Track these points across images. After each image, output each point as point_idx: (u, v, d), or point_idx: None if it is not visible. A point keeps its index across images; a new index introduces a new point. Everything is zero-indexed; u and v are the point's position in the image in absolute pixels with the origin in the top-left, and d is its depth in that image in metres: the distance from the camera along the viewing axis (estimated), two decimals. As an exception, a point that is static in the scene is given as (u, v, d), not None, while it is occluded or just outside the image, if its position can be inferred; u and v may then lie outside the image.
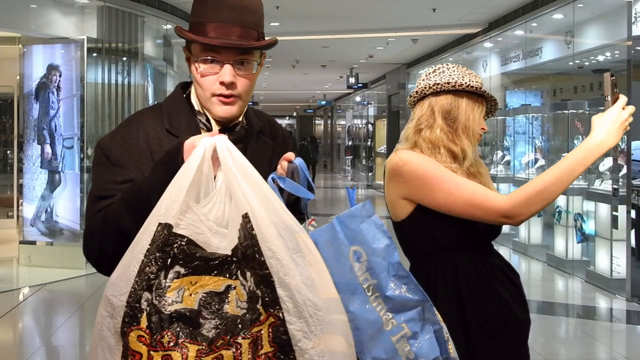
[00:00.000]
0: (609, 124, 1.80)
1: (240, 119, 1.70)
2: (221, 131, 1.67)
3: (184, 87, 1.74)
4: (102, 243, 1.56)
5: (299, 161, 1.59)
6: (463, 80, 2.00)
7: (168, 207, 1.38)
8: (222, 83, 1.61)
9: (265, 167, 1.72)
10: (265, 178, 1.71)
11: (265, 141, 1.76)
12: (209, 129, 1.66)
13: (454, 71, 2.03)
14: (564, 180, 1.79)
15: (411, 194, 1.93)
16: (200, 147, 1.43)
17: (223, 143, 1.44)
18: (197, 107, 1.69)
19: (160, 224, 1.37)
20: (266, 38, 1.68)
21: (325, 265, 1.45)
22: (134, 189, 1.52)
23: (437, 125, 1.99)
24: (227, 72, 1.60)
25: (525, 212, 1.82)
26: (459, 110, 2.00)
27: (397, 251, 1.58)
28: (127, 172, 1.59)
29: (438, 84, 2.02)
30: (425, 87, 2.04)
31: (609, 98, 1.82)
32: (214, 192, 1.42)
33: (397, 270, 1.56)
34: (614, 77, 1.82)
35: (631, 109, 1.82)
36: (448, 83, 2.00)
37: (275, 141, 1.79)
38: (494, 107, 2.08)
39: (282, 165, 1.60)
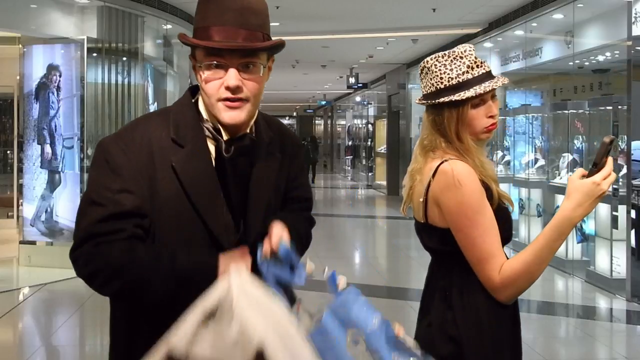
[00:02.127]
0: (582, 196, 1.77)
1: (249, 131, 1.66)
2: (229, 141, 1.63)
3: (194, 90, 1.69)
4: (113, 278, 1.53)
5: (284, 248, 1.56)
6: (440, 84, 1.92)
7: (179, 337, 1.35)
8: (227, 88, 1.56)
9: (271, 181, 1.70)
10: (269, 194, 1.68)
11: (274, 155, 1.72)
12: (216, 138, 1.62)
13: (434, 75, 1.94)
14: (545, 258, 1.82)
15: (445, 213, 1.88)
16: (225, 282, 1.40)
17: (239, 282, 1.40)
18: (204, 114, 1.65)
19: (168, 354, 1.35)
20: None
21: None
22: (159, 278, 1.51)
23: (440, 140, 1.94)
24: (231, 76, 1.56)
25: (512, 293, 1.86)
26: (444, 123, 1.93)
27: (390, 322, 1.55)
28: (124, 182, 1.55)
29: (418, 101, 2.00)
30: (418, 102, 2.02)
31: (598, 165, 1.76)
32: (229, 328, 1.38)
33: (396, 344, 1.53)
34: (612, 144, 1.77)
35: (611, 179, 1.77)
36: (425, 98, 1.96)
37: (283, 155, 1.75)
38: (486, 82, 1.91)
39: (272, 243, 1.56)
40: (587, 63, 9.07)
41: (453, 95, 1.89)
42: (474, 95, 1.89)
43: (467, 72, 1.91)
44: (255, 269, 1.55)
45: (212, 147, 1.64)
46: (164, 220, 1.58)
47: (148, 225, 1.57)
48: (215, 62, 1.57)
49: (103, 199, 1.54)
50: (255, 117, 1.69)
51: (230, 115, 1.59)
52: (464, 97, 1.89)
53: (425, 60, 1.98)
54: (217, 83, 1.57)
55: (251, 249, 1.61)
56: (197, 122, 1.64)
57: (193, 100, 1.68)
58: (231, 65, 1.56)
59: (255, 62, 1.59)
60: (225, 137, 1.63)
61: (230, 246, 1.62)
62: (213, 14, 1.57)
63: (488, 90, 1.90)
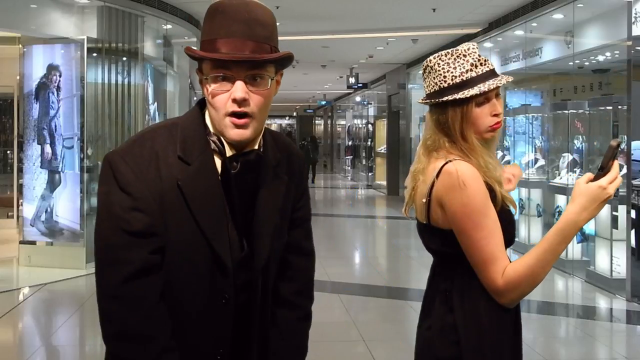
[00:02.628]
0: (587, 200, 1.75)
1: (256, 147, 1.64)
2: (235, 157, 1.62)
3: (202, 104, 1.67)
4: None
5: None
6: (443, 83, 1.90)
7: None
8: (234, 100, 1.54)
9: (277, 204, 1.69)
10: (277, 215, 1.68)
11: (280, 177, 1.70)
12: (222, 153, 1.61)
13: (437, 73, 1.92)
14: (549, 262, 1.80)
15: (448, 214, 1.85)
16: None
17: None
18: (212, 129, 1.63)
19: None
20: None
21: None
22: None
23: (444, 140, 1.91)
24: (238, 88, 1.54)
25: (515, 297, 1.84)
26: (449, 122, 1.90)
27: None
28: (135, 202, 1.54)
29: (421, 101, 1.96)
30: (421, 101, 1.99)
31: (603, 169, 1.75)
32: None
33: None
34: (618, 148, 1.75)
35: (617, 183, 1.75)
36: (429, 97, 1.93)
37: (290, 177, 1.74)
38: (491, 81, 1.88)
39: None
40: (587, 63, 9.07)
41: (457, 94, 1.87)
42: (479, 93, 1.86)
43: (471, 70, 1.89)
44: None
45: (218, 162, 1.62)
46: (169, 237, 1.57)
47: (163, 243, 1.56)
48: (222, 74, 1.55)
49: (115, 218, 1.54)
50: (262, 133, 1.67)
51: (237, 133, 1.57)
52: (468, 95, 1.86)
53: (428, 59, 1.96)
54: (224, 97, 1.55)
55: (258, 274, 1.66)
56: (204, 137, 1.62)
57: (202, 113, 1.66)
58: (238, 77, 1.54)
59: (262, 74, 1.57)
60: (230, 153, 1.61)
61: (233, 264, 1.61)
62: (220, 26, 1.55)
63: (492, 87, 1.88)
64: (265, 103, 1.60)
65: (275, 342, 1.75)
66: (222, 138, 1.61)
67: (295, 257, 1.81)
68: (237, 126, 1.56)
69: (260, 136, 1.66)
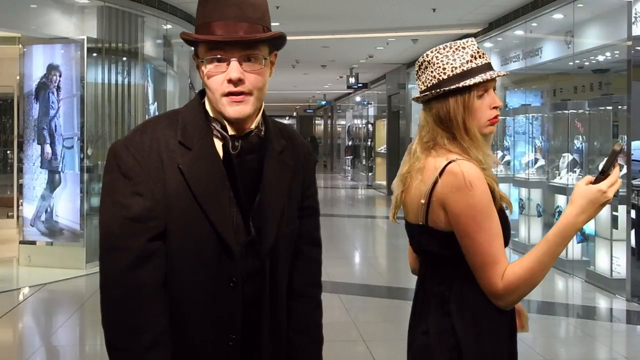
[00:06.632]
0: (587, 203, 1.76)
1: (254, 127, 1.65)
2: (235, 139, 1.63)
3: (203, 94, 1.70)
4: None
5: None
6: (443, 75, 1.88)
7: None
8: (229, 81, 1.57)
9: (284, 189, 1.70)
10: (283, 200, 1.68)
11: (286, 162, 1.71)
12: (224, 137, 1.62)
13: (435, 67, 1.90)
14: (548, 263, 1.80)
15: (451, 215, 1.83)
16: None
17: None
18: (212, 114, 1.65)
19: None
20: None
21: None
22: None
23: (442, 136, 1.89)
24: (233, 68, 1.57)
25: (514, 299, 1.83)
26: (451, 114, 1.87)
27: None
28: (136, 186, 1.56)
29: (418, 97, 1.94)
30: (416, 98, 1.97)
31: (604, 172, 1.76)
32: None
33: None
34: (621, 153, 1.77)
35: (616, 186, 1.76)
36: (427, 91, 1.91)
37: (297, 163, 1.75)
38: (485, 74, 1.88)
39: None
40: (587, 63, 9.07)
41: (459, 83, 1.86)
42: (482, 81, 1.86)
43: (471, 61, 1.89)
44: None
45: (220, 146, 1.64)
46: (173, 222, 1.59)
47: (163, 228, 1.58)
48: (216, 56, 1.58)
49: (116, 205, 1.56)
50: (262, 113, 1.69)
51: (235, 110, 1.59)
52: (471, 84, 1.85)
53: (425, 54, 1.94)
54: (220, 78, 1.58)
55: (266, 257, 1.66)
56: (204, 122, 1.64)
57: (202, 101, 1.68)
58: (232, 58, 1.57)
59: (256, 54, 1.60)
60: (231, 133, 1.63)
61: (239, 248, 1.62)
62: (213, 9, 1.59)
63: (494, 76, 1.88)
64: (262, 82, 1.62)
65: (293, 337, 1.78)
66: (222, 123, 1.63)
67: (307, 247, 1.83)
68: (235, 102, 1.59)
69: (260, 117, 1.68)
